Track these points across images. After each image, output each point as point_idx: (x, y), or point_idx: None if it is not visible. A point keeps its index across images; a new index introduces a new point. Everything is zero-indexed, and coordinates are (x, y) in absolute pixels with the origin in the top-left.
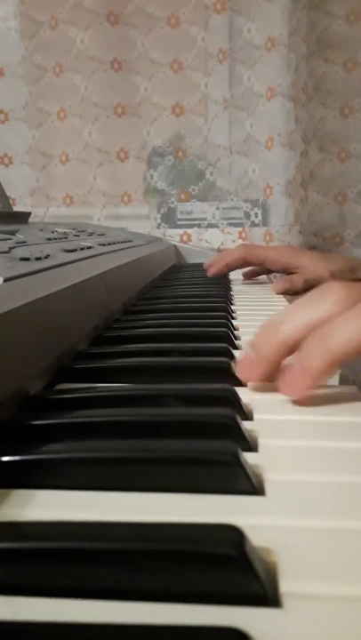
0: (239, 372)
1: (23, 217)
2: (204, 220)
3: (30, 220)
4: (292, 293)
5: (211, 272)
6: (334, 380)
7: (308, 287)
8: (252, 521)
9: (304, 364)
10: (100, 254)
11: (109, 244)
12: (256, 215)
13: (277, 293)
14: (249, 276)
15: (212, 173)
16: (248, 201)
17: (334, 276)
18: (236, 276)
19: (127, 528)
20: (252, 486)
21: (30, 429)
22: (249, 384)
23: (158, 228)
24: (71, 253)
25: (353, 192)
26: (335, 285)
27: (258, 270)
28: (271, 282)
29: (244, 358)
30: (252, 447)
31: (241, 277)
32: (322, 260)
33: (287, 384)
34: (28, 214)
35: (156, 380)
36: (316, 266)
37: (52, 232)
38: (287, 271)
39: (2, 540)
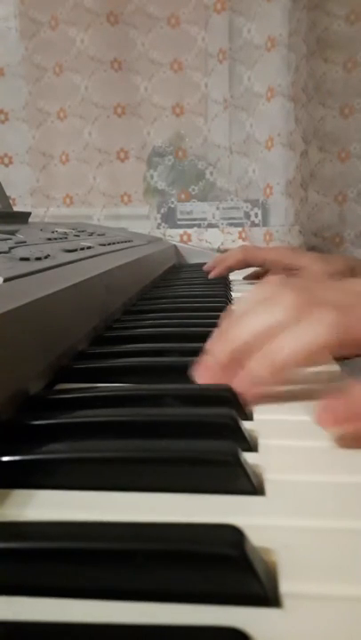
0: (197, 375)
1: (23, 217)
2: (204, 219)
3: (30, 219)
4: None
5: (212, 275)
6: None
7: None
8: (252, 521)
9: (252, 372)
10: (100, 254)
11: (109, 243)
12: (256, 215)
13: None
14: (253, 279)
15: (212, 173)
16: (248, 201)
17: (333, 277)
18: (236, 276)
19: (127, 528)
20: (252, 486)
21: (30, 429)
22: None
23: (158, 227)
24: (71, 253)
25: (353, 192)
26: (286, 290)
27: (259, 272)
28: None
29: (202, 363)
30: (252, 447)
31: (241, 277)
32: (321, 261)
33: (240, 385)
34: (28, 214)
35: (156, 379)
36: (315, 267)
37: (52, 232)
38: (286, 272)
39: (2, 540)
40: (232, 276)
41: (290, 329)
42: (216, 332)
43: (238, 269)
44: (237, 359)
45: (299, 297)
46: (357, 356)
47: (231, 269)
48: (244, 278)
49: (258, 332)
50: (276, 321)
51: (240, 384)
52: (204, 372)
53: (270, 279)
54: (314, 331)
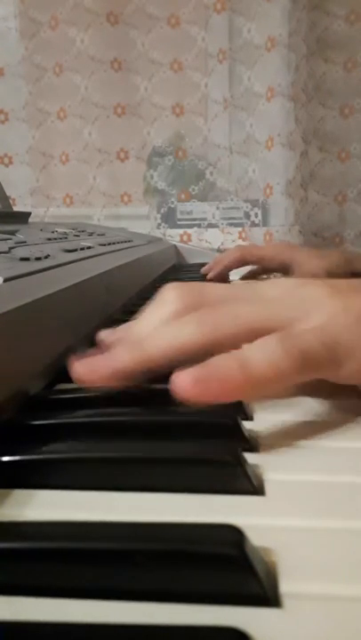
0: (78, 361)
1: (23, 217)
2: (204, 219)
3: (30, 219)
4: None
5: (210, 276)
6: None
7: None
8: (252, 521)
9: (112, 354)
10: (100, 254)
11: (109, 243)
12: (256, 215)
13: None
14: (249, 278)
15: (212, 173)
16: (248, 201)
17: (330, 271)
18: (235, 276)
19: (127, 528)
20: (252, 486)
21: (30, 429)
22: None
23: (158, 227)
24: (71, 253)
25: (353, 192)
26: (172, 293)
27: (256, 271)
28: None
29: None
30: (252, 447)
31: (238, 277)
32: (318, 256)
33: (81, 366)
34: (28, 214)
35: (155, 380)
36: (311, 262)
37: (52, 232)
38: (284, 268)
39: (2, 540)
40: (232, 277)
41: (166, 327)
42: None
43: (236, 268)
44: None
45: (178, 298)
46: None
47: (229, 269)
48: (241, 278)
49: (141, 329)
50: (157, 319)
51: (95, 361)
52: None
53: (168, 285)
54: (187, 330)
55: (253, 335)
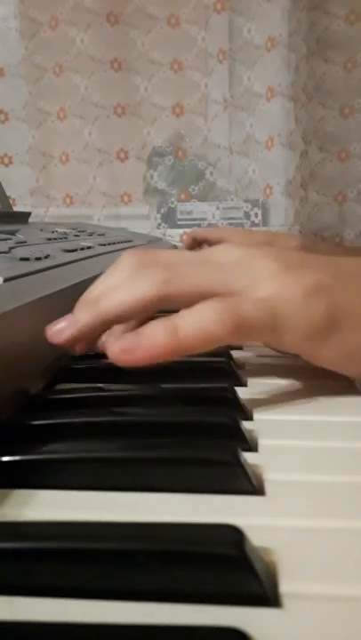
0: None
1: (23, 217)
2: (204, 220)
3: (30, 220)
4: None
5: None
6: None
7: None
8: (252, 521)
9: (74, 316)
10: (100, 254)
11: (109, 243)
12: (256, 215)
13: None
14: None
15: (212, 173)
16: (248, 201)
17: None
18: None
19: (127, 528)
20: (252, 486)
21: (30, 429)
22: (250, 385)
23: (158, 228)
24: (71, 253)
25: (353, 192)
26: (126, 256)
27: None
28: None
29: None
30: (252, 447)
31: None
32: (243, 234)
33: (53, 328)
34: (28, 214)
35: (156, 379)
36: (235, 239)
37: (52, 232)
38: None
39: (2, 540)
40: None
41: (118, 285)
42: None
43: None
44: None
45: (133, 260)
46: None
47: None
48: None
49: (99, 291)
50: (116, 280)
51: (62, 325)
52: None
53: (125, 252)
54: (139, 286)
55: (201, 297)
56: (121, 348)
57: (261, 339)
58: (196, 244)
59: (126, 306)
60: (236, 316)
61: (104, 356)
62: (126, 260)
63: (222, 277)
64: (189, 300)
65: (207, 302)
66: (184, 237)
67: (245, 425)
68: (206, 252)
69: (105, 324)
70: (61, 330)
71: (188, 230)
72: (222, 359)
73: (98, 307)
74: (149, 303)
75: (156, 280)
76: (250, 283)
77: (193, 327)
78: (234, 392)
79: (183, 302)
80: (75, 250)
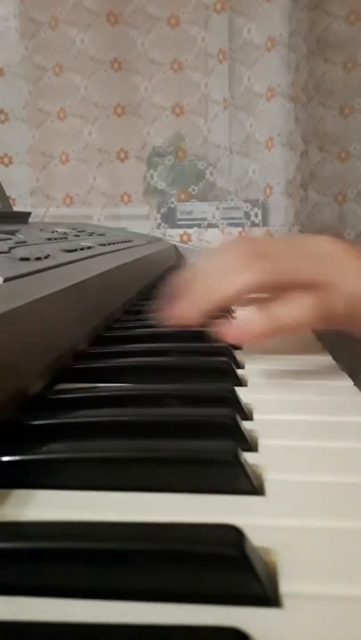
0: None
1: (23, 217)
2: (204, 219)
3: (30, 220)
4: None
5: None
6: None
7: None
8: (252, 521)
9: (193, 299)
10: (100, 254)
11: (109, 243)
12: (256, 215)
13: None
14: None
15: (212, 173)
16: (248, 201)
17: None
18: None
19: (127, 528)
20: (252, 486)
21: (30, 429)
22: (250, 386)
23: (158, 227)
24: (71, 253)
25: (353, 192)
26: (236, 244)
27: None
28: None
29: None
30: (252, 447)
31: None
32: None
33: (174, 310)
34: (28, 214)
35: (156, 379)
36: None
37: (52, 232)
38: None
39: (2, 540)
40: None
41: (232, 273)
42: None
43: None
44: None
45: (241, 250)
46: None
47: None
48: None
49: (211, 275)
50: (223, 267)
51: (181, 307)
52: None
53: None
54: (243, 274)
55: (298, 285)
56: (233, 331)
57: (344, 327)
58: None
59: (237, 292)
60: (327, 310)
61: (103, 355)
62: (235, 249)
63: (318, 271)
64: (288, 287)
65: (304, 296)
66: (192, 241)
67: (245, 425)
68: (303, 241)
69: (219, 305)
70: (184, 311)
71: (189, 229)
72: (222, 359)
73: (215, 293)
74: (255, 289)
75: (261, 270)
76: (341, 278)
77: (290, 317)
78: (234, 392)
79: (283, 288)
80: (75, 250)
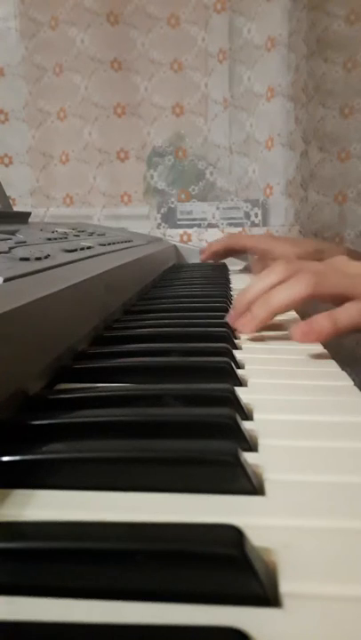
0: (228, 320)
1: (23, 217)
2: (204, 220)
3: (30, 220)
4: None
5: (201, 259)
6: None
7: None
8: (252, 521)
9: (253, 313)
10: (100, 254)
11: (109, 243)
12: (256, 215)
13: (255, 274)
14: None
15: (212, 173)
16: (248, 201)
17: (301, 257)
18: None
19: (127, 528)
20: (252, 486)
21: (30, 429)
22: (250, 386)
23: (158, 228)
24: (71, 253)
25: (353, 192)
26: (278, 262)
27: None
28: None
29: (230, 313)
30: (252, 447)
31: (238, 274)
32: (292, 244)
33: (239, 323)
34: (28, 214)
35: (156, 379)
36: (286, 250)
37: (52, 232)
38: (265, 256)
39: (2, 540)
40: (232, 277)
41: (280, 286)
42: (239, 292)
43: (224, 254)
44: (248, 307)
45: (288, 267)
46: (333, 303)
47: (217, 254)
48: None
49: (261, 290)
50: (272, 282)
51: (245, 321)
52: (232, 318)
53: (277, 262)
54: (295, 287)
55: (340, 298)
56: (301, 331)
57: None
58: (231, 249)
59: (291, 302)
60: None
61: (103, 355)
62: (281, 267)
63: (355, 284)
64: (330, 298)
65: (353, 303)
66: (192, 241)
67: (245, 425)
68: (335, 262)
69: (271, 318)
70: (245, 324)
71: (189, 229)
72: (222, 359)
73: (270, 304)
74: (305, 299)
75: (309, 283)
76: None
77: (347, 320)
78: (234, 392)
79: (326, 300)
80: (75, 250)
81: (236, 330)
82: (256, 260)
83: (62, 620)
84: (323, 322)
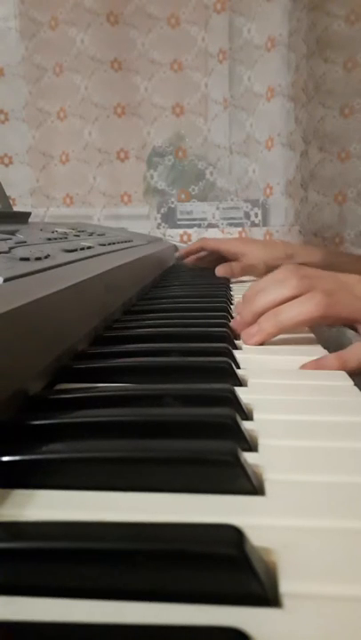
0: (233, 325)
1: (23, 217)
2: (204, 220)
3: (30, 220)
4: (232, 277)
5: (177, 255)
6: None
7: (247, 272)
8: (252, 521)
9: (261, 326)
10: (100, 254)
11: (109, 243)
12: (256, 215)
13: (219, 275)
14: (205, 263)
15: (212, 173)
16: (248, 201)
17: (269, 263)
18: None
19: (127, 528)
20: (252, 486)
21: (30, 429)
22: (250, 386)
23: (158, 228)
24: (71, 253)
25: (353, 192)
26: (292, 275)
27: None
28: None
29: (236, 319)
30: (252, 447)
31: (241, 279)
32: (262, 248)
33: (246, 334)
34: (28, 214)
35: (156, 379)
36: (255, 254)
37: (52, 232)
38: (236, 258)
39: (2, 540)
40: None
41: (291, 303)
42: (242, 299)
43: (196, 254)
44: (256, 318)
45: (300, 282)
46: (343, 325)
47: (190, 254)
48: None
49: (271, 302)
50: (284, 296)
51: (252, 332)
52: (237, 325)
53: (284, 267)
54: (306, 306)
55: (349, 321)
56: (320, 363)
57: None
58: (201, 250)
59: (300, 321)
60: None
61: (103, 355)
62: (294, 281)
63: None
64: (340, 322)
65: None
66: (192, 240)
67: (245, 425)
68: (347, 282)
69: (278, 334)
70: (252, 336)
71: (189, 229)
72: (222, 359)
73: (279, 320)
74: (315, 320)
75: (320, 304)
76: None
77: (356, 361)
78: (234, 392)
79: (335, 322)
80: (75, 250)
81: (238, 337)
82: (229, 263)
83: (62, 620)
84: (332, 363)
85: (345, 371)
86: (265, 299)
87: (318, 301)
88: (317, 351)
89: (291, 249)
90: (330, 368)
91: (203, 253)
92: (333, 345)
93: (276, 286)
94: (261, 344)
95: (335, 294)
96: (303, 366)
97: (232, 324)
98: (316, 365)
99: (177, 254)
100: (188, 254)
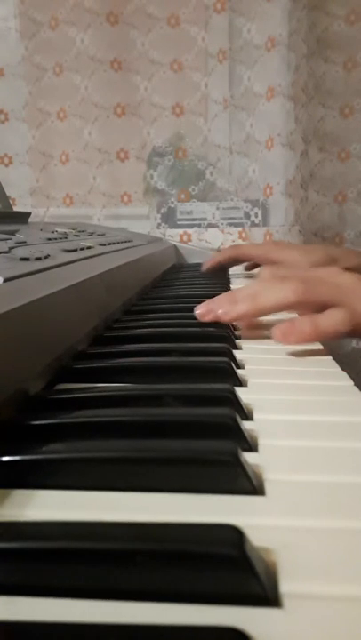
0: (205, 306)
1: (23, 217)
2: (204, 219)
3: (30, 220)
4: None
5: (203, 269)
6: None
7: None
8: (252, 521)
9: (236, 304)
10: (100, 254)
11: (109, 243)
12: (256, 215)
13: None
14: (249, 269)
15: (212, 173)
16: (248, 201)
17: (314, 267)
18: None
19: (127, 528)
20: (252, 486)
21: (30, 429)
22: (250, 386)
23: (158, 228)
24: (71, 253)
25: (353, 192)
26: (265, 268)
27: (253, 264)
28: None
29: (209, 302)
30: (252, 447)
31: (241, 278)
32: (302, 253)
33: (221, 310)
34: (28, 214)
35: (156, 379)
36: (296, 260)
37: (52, 232)
38: (274, 265)
39: (2, 540)
40: (233, 278)
41: (268, 286)
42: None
43: (230, 265)
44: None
45: (275, 273)
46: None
47: (222, 265)
48: (245, 268)
49: (251, 291)
50: (262, 284)
51: (226, 309)
52: (205, 305)
53: (264, 268)
54: (283, 290)
55: (324, 305)
56: (281, 331)
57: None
58: (237, 260)
59: (276, 304)
60: (354, 322)
61: (103, 355)
62: (268, 272)
63: (342, 295)
64: (316, 306)
65: (338, 310)
66: (192, 241)
67: (245, 425)
68: (323, 272)
69: (256, 315)
70: (225, 312)
71: (189, 229)
72: (222, 359)
73: (256, 302)
74: (290, 304)
75: (297, 289)
76: (357, 300)
77: (328, 325)
78: (234, 392)
79: (311, 307)
80: (75, 250)
81: (209, 314)
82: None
83: (62, 620)
84: (304, 324)
85: (317, 337)
86: (241, 290)
87: (295, 287)
88: (317, 351)
89: (332, 251)
90: (301, 331)
91: (236, 267)
92: (333, 345)
93: (252, 282)
94: (235, 321)
95: (312, 281)
96: (275, 329)
97: (202, 305)
98: (288, 327)
99: (203, 267)
100: (217, 265)
